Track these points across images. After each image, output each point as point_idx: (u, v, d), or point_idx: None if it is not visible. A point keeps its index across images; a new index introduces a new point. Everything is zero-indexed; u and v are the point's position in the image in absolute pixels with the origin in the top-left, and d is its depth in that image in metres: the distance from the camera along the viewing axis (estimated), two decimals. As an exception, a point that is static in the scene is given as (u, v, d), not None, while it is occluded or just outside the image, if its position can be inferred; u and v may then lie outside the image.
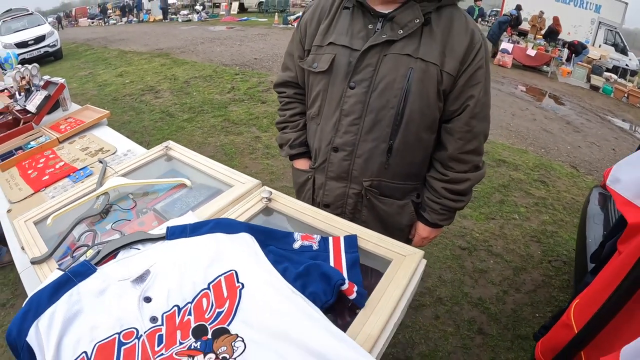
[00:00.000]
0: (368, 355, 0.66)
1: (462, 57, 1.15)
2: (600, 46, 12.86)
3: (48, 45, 11.83)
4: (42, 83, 2.71)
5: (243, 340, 0.68)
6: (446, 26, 1.16)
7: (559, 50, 11.14)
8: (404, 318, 2.33)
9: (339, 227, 1.00)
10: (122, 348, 0.68)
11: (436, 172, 1.35)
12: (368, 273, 0.91)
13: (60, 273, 0.81)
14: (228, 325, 0.71)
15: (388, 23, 1.18)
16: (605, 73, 10.21)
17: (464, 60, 1.16)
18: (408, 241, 1.49)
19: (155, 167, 1.53)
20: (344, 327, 0.72)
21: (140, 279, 0.80)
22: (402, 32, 1.15)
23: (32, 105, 2.46)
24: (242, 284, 0.77)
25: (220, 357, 0.66)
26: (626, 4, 12.92)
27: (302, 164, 1.52)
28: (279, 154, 4.40)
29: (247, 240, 0.88)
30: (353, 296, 0.76)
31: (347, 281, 0.77)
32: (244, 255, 0.84)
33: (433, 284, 2.60)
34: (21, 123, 2.38)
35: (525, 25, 13.12)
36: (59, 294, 0.77)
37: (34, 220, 1.21)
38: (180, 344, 0.69)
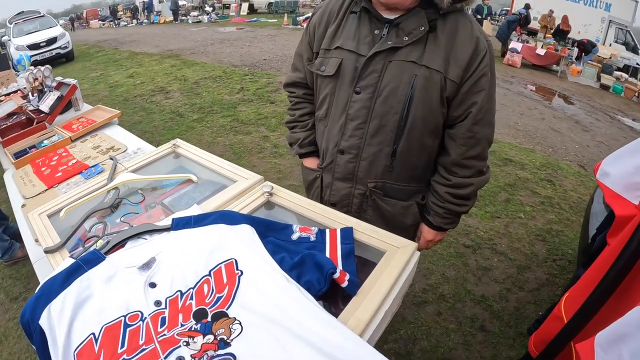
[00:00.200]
0: (359, 339, 0.70)
1: (466, 64, 1.16)
2: (610, 45, 12.76)
3: (60, 47, 11.90)
4: (54, 84, 2.79)
5: (240, 323, 0.73)
6: (451, 33, 1.17)
7: (568, 49, 11.06)
8: (407, 314, 2.36)
9: (336, 220, 1.05)
10: (128, 329, 0.73)
11: (440, 177, 1.37)
12: (369, 265, 0.94)
13: (72, 261, 0.87)
14: (227, 309, 0.76)
15: (394, 29, 1.19)
16: (615, 72, 10.10)
17: (467, 68, 1.16)
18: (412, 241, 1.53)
19: (163, 163, 1.59)
20: (337, 314, 0.77)
21: (147, 266, 0.85)
22: (407, 38, 1.16)
23: (45, 106, 2.54)
24: (241, 272, 0.82)
25: (218, 338, 0.71)
26: (637, 2, 12.82)
27: (311, 162, 1.56)
28: (286, 153, 4.46)
29: (247, 231, 0.93)
30: (345, 284, 0.81)
31: (338, 270, 0.81)
32: (243, 245, 0.89)
33: (436, 281, 2.62)
34: (35, 122, 2.45)
35: (534, 24, 13.04)
36: (70, 280, 0.82)
37: (47, 213, 1.27)
38: (182, 325, 0.74)
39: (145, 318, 0.75)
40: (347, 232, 0.97)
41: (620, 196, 1.07)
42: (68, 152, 2.02)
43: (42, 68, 2.92)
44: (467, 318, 2.36)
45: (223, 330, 0.72)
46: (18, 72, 4.11)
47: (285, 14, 17.39)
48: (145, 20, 22.16)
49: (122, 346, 0.71)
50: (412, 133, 1.25)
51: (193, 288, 0.80)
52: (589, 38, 11.94)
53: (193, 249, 0.88)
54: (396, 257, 0.90)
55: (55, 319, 0.76)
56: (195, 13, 21.21)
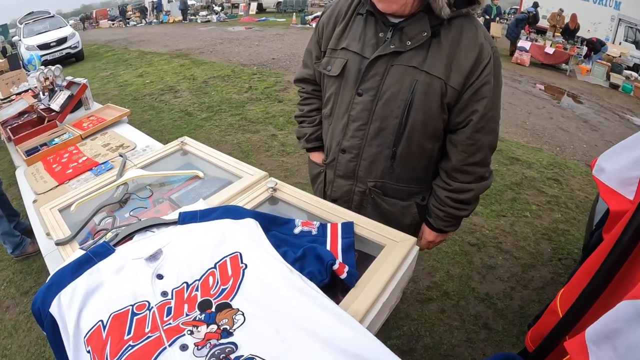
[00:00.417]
0: (362, 328, 0.73)
1: (467, 72, 1.16)
2: (620, 43, 12.63)
3: (70, 47, 12.00)
4: (65, 83, 2.84)
5: (243, 314, 0.76)
6: (455, 39, 1.16)
7: (577, 47, 10.98)
8: (410, 311, 2.38)
9: (338, 214, 1.07)
10: (135, 318, 0.76)
11: (441, 181, 1.38)
12: (369, 259, 0.97)
13: (82, 253, 0.90)
14: (231, 300, 0.79)
15: (398, 33, 1.19)
16: (625, 71, 10.01)
17: (469, 76, 1.16)
18: None
19: (171, 160, 1.63)
20: (336, 305, 0.80)
21: (154, 257, 0.88)
22: (410, 43, 1.17)
23: (56, 104, 2.59)
24: (246, 265, 0.85)
25: (221, 328, 0.73)
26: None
27: (317, 156, 1.61)
28: (293, 152, 4.49)
29: (251, 225, 0.96)
30: (344, 276, 0.84)
31: (337, 262, 0.84)
32: (248, 238, 0.92)
33: (440, 278, 2.64)
34: (46, 121, 2.50)
35: (543, 23, 12.95)
36: (80, 271, 0.86)
37: (58, 207, 1.31)
38: (187, 315, 0.77)
39: (152, 307, 0.78)
40: (347, 226, 1.00)
41: (615, 191, 1.08)
42: (78, 150, 2.06)
43: (53, 68, 2.97)
44: (470, 316, 2.37)
45: (226, 320, 0.75)
46: (29, 71, 4.18)
47: (294, 13, 17.40)
48: (155, 20, 22.28)
49: (129, 333, 0.74)
50: (412, 137, 1.27)
51: (199, 280, 0.83)
52: (599, 36, 11.84)
53: (199, 242, 0.91)
54: (395, 251, 0.92)
55: (65, 307, 0.80)
56: (204, 12, 21.28)
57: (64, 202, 1.34)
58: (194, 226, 0.97)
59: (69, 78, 2.96)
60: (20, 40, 12.37)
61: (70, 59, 12.17)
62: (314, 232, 0.99)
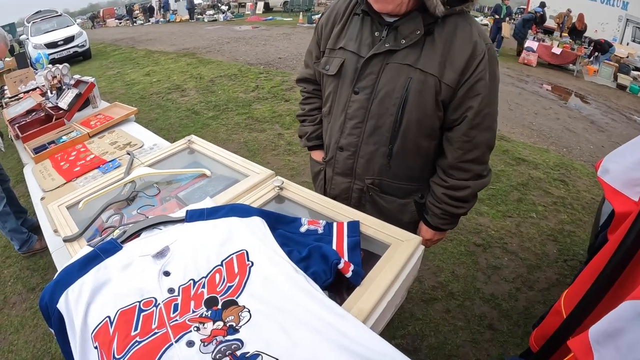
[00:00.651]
0: (364, 327, 0.73)
1: (461, 69, 1.16)
2: (628, 44, 12.54)
3: (77, 46, 12.06)
4: (72, 82, 2.86)
5: (249, 311, 0.76)
6: (449, 36, 1.17)
7: (584, 48, 10.91)
8: (415, 310, 2.38)
9: (344, 214, 1.08)
10: (142, 314, 0.77)
11: (438, 178, 1.38)
12: (375, 258, 0.97)
13: (90, 249, 0.91)
14: (237, 297, 0.79)
15: (392, 32, 1.21)
16: (633, 72, 9.93)
17: (463, 72, 1.17)
18: None
19: (178, 158, 1.64)
20: (341, 304, 0.80)
21: (161, 254, 0.89)
22: (404, 42, 1.19)
23: (63, 103, 2.61)
24: (252, 262, 0.86)
25: (227, 325, 0.74)
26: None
27: (318, 155, 1.63)
28: (300, 151, 4.49)
29: (258, 224, 0.96)
30: (349, 274, 0.84)
31: (342, 260, 0.84)
32: (254, 236, 0.92)
33: (446, 278, 2.63)
34: (53, 119, 2.52)
35: (550, 23, 12.87)
36: (87, 268, 0.86)
37: (66, 205, 1.32)
38: (193, 312, 0.77)
39: (159, 304, 0.79)
40: (353, 225, 1.00)
41: (620, 192, 1.08)
42: (86, 148, 2.07)
43: (61, 66, 3.00)
44: (475, 316, 2.37)
45: (232, 317, 0.75)
46: (36, 70, 4.21)
47: (301, 13, 17.39)
48: (162, 19, 22.36)
49: (136, 329, 0.74)
50: (407, 135, 1.28)
51: (205, 277, 0.84)
52: (606, 37, 11.77)
53: (206, 240, 0.92)
54: (400, 250, 0.93)
55: (72, 303, 0.80)
56: (211, 12, 21.32)
57: (71, 200, 1.35)
58: (201, 224, 0.98)
59: (77, 76, 2.98)
60: (27, 38, 12.41)
61: (78, 58, 12.23)
62: (320, 230, 1.00)
